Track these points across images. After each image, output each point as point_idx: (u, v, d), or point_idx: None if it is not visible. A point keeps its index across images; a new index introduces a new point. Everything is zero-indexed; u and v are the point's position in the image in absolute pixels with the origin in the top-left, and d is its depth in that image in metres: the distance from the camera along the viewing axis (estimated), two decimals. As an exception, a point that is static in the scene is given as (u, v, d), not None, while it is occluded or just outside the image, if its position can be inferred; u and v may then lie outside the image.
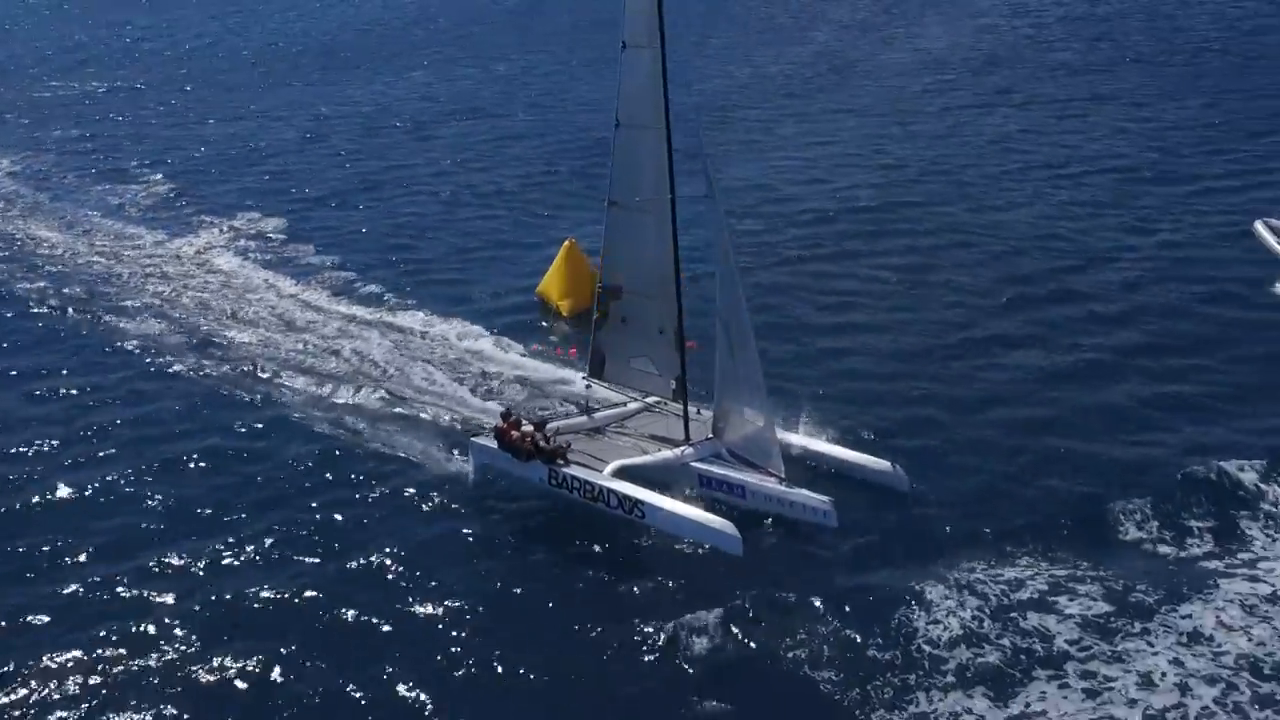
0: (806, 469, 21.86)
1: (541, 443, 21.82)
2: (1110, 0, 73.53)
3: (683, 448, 21.92)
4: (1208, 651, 17.23)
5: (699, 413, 22.47)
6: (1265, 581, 18.69)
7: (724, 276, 20.81)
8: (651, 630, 18.18)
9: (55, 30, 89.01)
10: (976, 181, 40.10)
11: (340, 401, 26.07)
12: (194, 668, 17.89)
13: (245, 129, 54.19)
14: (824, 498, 20.19)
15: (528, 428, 22.16)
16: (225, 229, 38.86)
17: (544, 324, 30.27)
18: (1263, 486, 21.07)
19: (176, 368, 28.42)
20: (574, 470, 21.39)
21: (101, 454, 24.43)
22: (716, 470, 21.36)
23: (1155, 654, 17.14)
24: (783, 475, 20.67)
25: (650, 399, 23.28)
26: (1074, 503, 21.11)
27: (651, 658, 17.82)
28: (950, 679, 16.80)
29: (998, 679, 16.77)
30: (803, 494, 20.41)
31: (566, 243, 31.42)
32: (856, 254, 33.96)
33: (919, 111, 50.42)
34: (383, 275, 33.88)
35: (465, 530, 21.54)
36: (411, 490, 22.57)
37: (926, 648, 17.43)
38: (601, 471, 21.22)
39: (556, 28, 76.87)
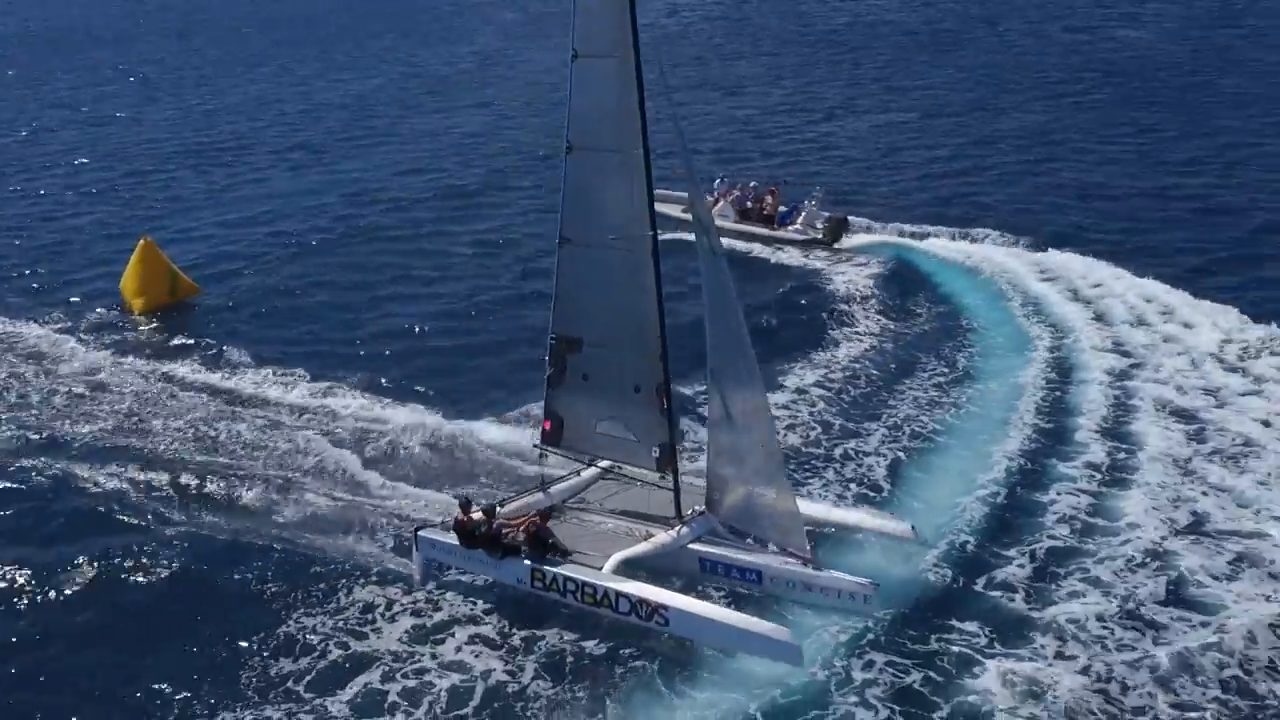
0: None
1: (522, 537, 17.75)
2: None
3: (679, 528, 18.22)
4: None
5: (662, 476, 18.86)
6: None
7: (716, 319, 17.48)
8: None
9: None
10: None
11: None
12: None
13: None
14: (862, 579, 16.99)
15: (505, 510, 18.54)
16: None
17: (123, 321, 30.36)
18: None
19: None
20: (566, 569, 17.38)
21: None
22: (719, 552, 17.86)
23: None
24: (808, 556, 17.31)
25: (604, 463, 19.76)
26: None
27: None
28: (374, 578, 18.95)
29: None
30: (835, 576, 17.13)
31: (141, 241, 31.50)
32: (445, 232, 36.29)
33: (543, 100, 53.34)
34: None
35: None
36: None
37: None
38: (599, 568, 17.29)
39: (225, 30, 76.61)
